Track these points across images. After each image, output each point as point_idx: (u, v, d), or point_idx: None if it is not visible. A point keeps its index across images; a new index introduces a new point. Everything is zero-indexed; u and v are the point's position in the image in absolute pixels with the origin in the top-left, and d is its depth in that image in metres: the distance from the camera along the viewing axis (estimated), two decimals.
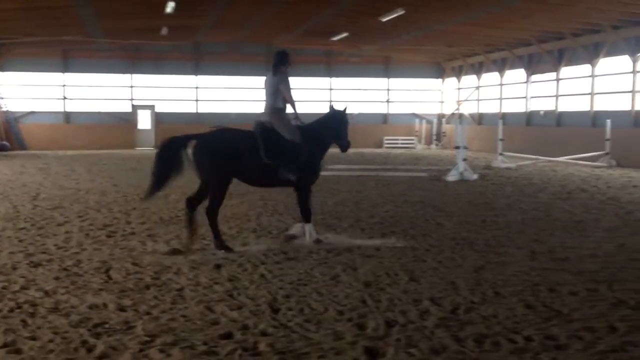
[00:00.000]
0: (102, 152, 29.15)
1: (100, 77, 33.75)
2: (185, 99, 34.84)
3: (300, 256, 7.61)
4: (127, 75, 33.98)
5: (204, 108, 34.87)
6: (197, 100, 34.82)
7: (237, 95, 35.27)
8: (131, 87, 34.14)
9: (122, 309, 5.54)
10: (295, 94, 8.46)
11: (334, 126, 8.60)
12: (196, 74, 34.60)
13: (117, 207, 11.63)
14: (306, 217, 8.41)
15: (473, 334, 4.90)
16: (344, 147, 8.71)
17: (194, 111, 34.68)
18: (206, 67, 34.61)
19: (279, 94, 8.30)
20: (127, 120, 33.94)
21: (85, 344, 4.70)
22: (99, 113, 33.59)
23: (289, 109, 8.46)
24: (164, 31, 27.06)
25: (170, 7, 20.93)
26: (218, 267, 7.07)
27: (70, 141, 32.18)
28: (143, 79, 34.29)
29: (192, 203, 8.18)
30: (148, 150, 32.13)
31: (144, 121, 34.19)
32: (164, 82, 34.44)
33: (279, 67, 8.36)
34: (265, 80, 8.54)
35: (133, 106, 34.17)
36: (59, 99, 33.44)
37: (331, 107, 8.82)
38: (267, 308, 5.57)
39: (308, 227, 8.40)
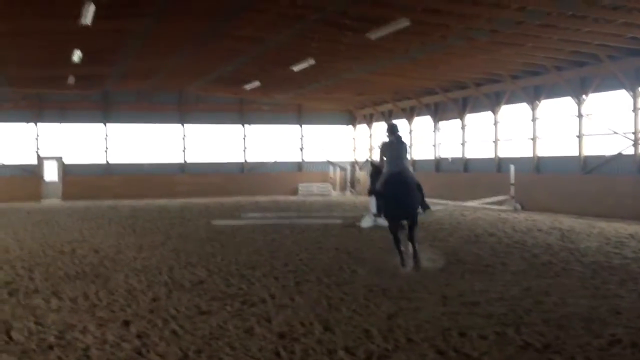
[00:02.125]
0: (5, 206, 27.84)
1: (3, 127, 32.49)
2: (95, 149, 33.93)
3: (213, 310, 7.47)
4: (32, 125, 32.83)
5: (115, 158, 34.07)
6: (106, 150, 33.99)
7: (149, 144, 34.70)
8: (37, 137, 32.98)
9: None
10: None
11: None
12: (105, 123, 33.84)
13: (19, 263, 11.09)
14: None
15: None
16: None
17: (104, 162, 33.83)
18: (116, 116, 33.93)
19: (405, 155, 11.33)
20: (32, 172, 32.67)
21: None
22: (2, 165, 32.21)
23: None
24: (71, 80, 26.45)
25: (77, 56, 20.55)
26: (126, 323, 6.82)
27: None
28: (49, 128, 33.20)
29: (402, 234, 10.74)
30: (55, 202, 31.00)
31: (51, 173, 33.00)
32: (71, 132, 33.48)
33: (399, 136, 11.21)
34: (391, 144, 11.07)
35: (39, 157, 32.96)
36: None
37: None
38: None
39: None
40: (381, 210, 11.13)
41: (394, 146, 11.07)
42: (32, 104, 32.34)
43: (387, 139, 11.29)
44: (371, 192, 12.16)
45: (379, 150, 11.61)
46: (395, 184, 10.59)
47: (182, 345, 5.98)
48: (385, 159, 11.06)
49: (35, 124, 32.84)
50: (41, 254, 12.27)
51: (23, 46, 20.10)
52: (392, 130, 11.25)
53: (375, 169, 11.96)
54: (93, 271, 10.25)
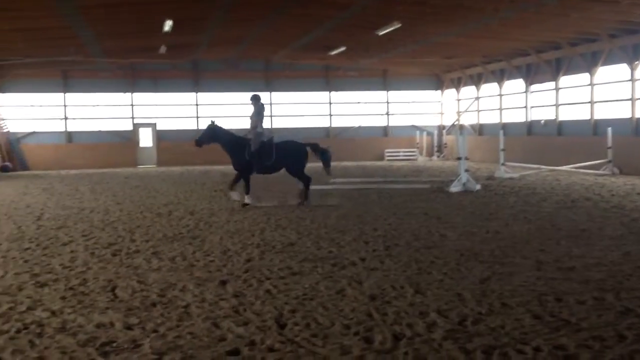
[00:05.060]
0: (104, 171, 29.18)
1: (100, 96, 33.93)
2: (186, 116, 34.95)
3: (305, 271, 7.61)
4: (128, 94, 34.11)
5: (205, 124, 34.85)
6: (197, 117, 34.92)
7: (237, 111, 35.34)
8: (132, 105, 34.25)
9: (129, 327, 5.53)
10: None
11: None
12: (196, 91, 34.73)
13: (121, 226, 11.64)
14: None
15: (481, 346, 4.89)
16: None
17: (195, 128, 34.78)
18: (205, 84, 34.75)
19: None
20: (128, 138, 34.03)
21: None
22: (101, 132, 33.71)
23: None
24: (163, 50, 27.18)
25: (168, 26, 21.04)
26: (223, 283, 7.06)
27: (73, 161, 32.24)
28: (143, 97, 34.41)
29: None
30: (150, 167, 32.21)
31: (146, 139, 34.28)
32: (164, 100, 34.58)
33: (263, 103, 14.82)
34: (263, 108, 14.74)
35: (134, 124, 34.26)
36: (60, 119, 33.57)
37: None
38: (273, 323, 5.56)
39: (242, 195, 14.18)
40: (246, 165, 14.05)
41: (265, 112, 14.76)
42: (127, 73, 33.54)
43: (254, 107, 14.56)
44: (199, 143, 14.74)
45: (258, 115, 14.44)
46: (274, 143, 14.17)
47: (277, 305, 6.14)
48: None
49: (131, 93, 34.08)
50: (140, 217, 12.83)
51: (117, 18, 20.76)
52: (258, 98, 14.72)
53: (213, 125, 14.73)
54: (189, 233, 10.64)
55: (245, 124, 34.52)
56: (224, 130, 14.87)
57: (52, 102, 33.56)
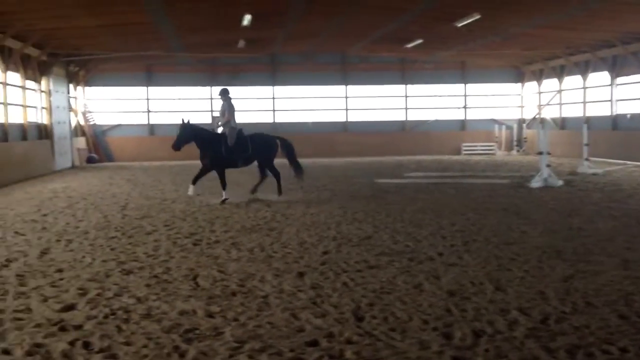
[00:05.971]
0: (184, 163, 29.89)
1: (181, 90, 34.80)
2: (263, 109, 35.39)
3: (381, 264, 7.60)
4: (207, 88, 34.83)
5: (281, 118, 35.31)
6: (274, 111, 35.32)
7: (313, 104, 35.55)
8: (211, 99, 34.96)
9: (210, 315, 5.68)
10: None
11: None
12: (273, 85, 35.11)
13: (201, 216, 11.94)
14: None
15: (565, 345, 4.77)
16: None
17: (271, 121, 35.17)
18: (282, 78, 35.05)
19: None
20: None
21: (177, 349, 4.85)
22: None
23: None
24: (241, 44, 27.59)
25: (247, 20, 21.34)
26: (301, 274, 7.14)
27: (155, 153, 33.19)
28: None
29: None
30: None
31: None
32: (241, 94, 35.10)
33: (230, 98, 14.69)
34: (232, 104, 14.57)
35: (213, 118, 34.93)
36: (143, 112, 34.65)
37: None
38: (351, 316, 5.59)
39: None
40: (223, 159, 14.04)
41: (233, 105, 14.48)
42: (206, 67, 34.25)
43: (225, 101, 14.39)
44: (178, 146, 13.99)
45: (230, 109, 14.40)
46: (248, 136, 14.42)
47: (355, 297, 6.17)
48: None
49: (210, 87, 34.79)
50: (219, 207, 13.11)
51: (198, 13, 21.22)
52: (226, 92, 14.56)
53: (187, 124, 14.09)
54: (267, 225, 10.81)
55: (319, 116, 35.45)
56: (199, 127, 14.84)
57: (136, 95, 34.67)
